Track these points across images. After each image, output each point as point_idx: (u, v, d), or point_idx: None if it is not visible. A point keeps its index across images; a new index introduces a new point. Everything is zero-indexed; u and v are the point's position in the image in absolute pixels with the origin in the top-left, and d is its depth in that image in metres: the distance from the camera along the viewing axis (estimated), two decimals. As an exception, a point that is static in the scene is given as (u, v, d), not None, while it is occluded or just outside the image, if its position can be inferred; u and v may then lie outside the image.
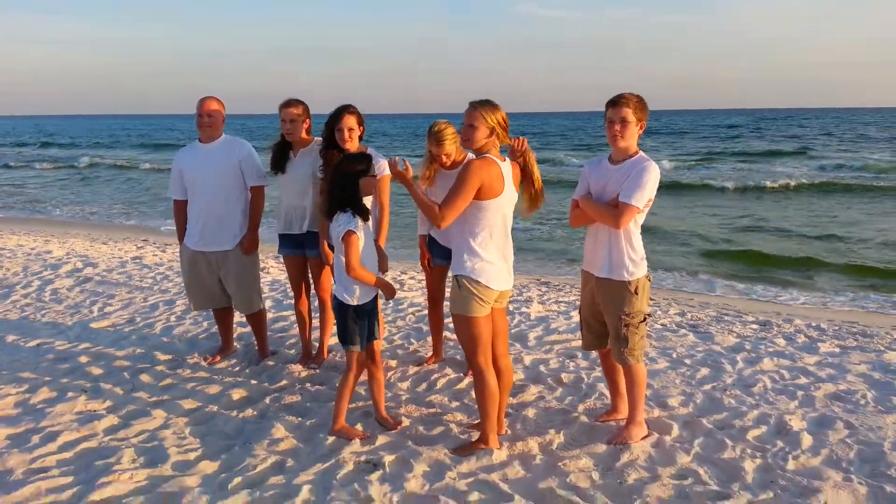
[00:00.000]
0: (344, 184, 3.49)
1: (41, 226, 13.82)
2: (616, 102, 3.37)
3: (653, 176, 3.37)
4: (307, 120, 4.47)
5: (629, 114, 3.35)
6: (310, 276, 4.72)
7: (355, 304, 3.58)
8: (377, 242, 3.85)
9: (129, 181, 24.75)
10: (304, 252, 4.59)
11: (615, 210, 3.37)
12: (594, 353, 4.85)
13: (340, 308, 3.62)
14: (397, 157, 3.42)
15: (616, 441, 3.55)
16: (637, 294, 3.49)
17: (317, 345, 4.89)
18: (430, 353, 4.92)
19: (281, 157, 4.49)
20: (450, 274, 3.59)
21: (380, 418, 3.81)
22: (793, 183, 19.35)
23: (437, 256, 4.55)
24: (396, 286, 7.31)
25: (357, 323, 3.60)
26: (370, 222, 3.68)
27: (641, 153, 3.46)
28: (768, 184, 19.12)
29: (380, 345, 3.80)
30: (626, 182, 3.37)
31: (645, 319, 3.55)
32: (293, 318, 5.60)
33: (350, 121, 4.14)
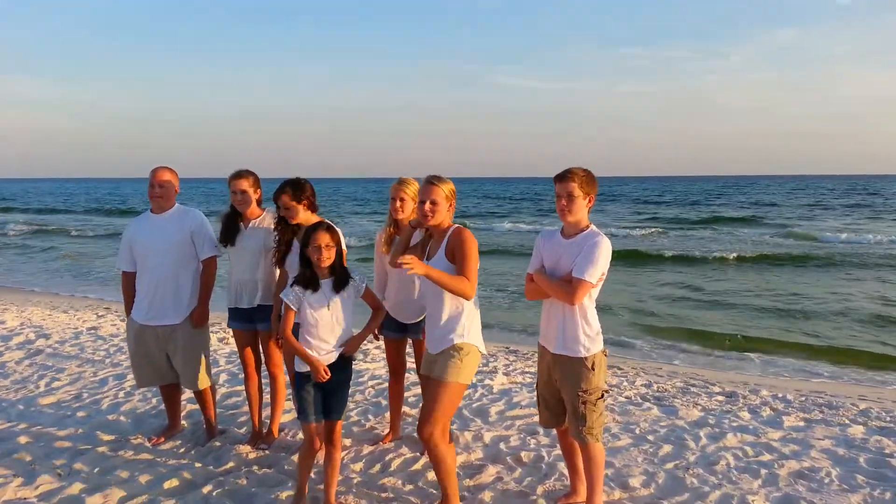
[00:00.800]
0: (300, 253, 3.56)
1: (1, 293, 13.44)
2: (563, 178, 3.37)
3: (604, 251, 3.35)
4: (258, 190, 4.42)
5: (575, 188, 3.35)
6: (261, 350, 4.58)
7: (296, 370, 3.57)
8: (374, 318, 3.74)
9: (49, 250, 23.35)
10: (254, 326, 4.46)
11: (569, 286, 3.33)
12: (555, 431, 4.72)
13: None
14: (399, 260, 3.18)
15: (573, 527, 3.40)
16: (594, 370, 3.41)
17: (268, 422, 4.69)
18: (386, 431, 4.74)
19: (230, 229, 4.41)
20: (410, 340, 3.60)
21: None
22: (759, 252, 19.48)
23: (391, 329, 4.43)
24: (358, 356, 7.14)
25: (301, 392, 3.55)
26: (346, 295, 3.54)
27: (592, 227, 3.45)
28: (731, 255, 18.97)
29: (338, 426, 3.63)
30: (578, 257, 3.34)
31: (603, 396, 3.46)
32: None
33: (284, 200, 4.11)
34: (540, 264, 3.53)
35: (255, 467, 4.20)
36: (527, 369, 7.01)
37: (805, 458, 4.36)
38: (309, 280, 3.49)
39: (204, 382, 4.55)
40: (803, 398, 6.11)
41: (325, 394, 3.56)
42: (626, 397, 5.89)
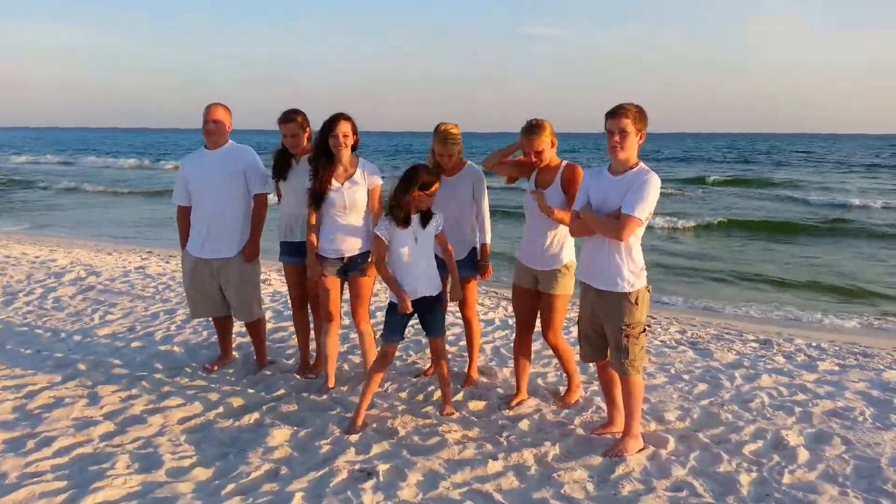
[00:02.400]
0: (401, 187, 3.76)
1: (48, 236, 13.87)
2: (615, 113, 3.38)
3: (654, 188, 3.38)
4: (307, 128, 4.51)
5: (628, 124, 3.36)
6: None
7: (390, 300, 3.95)
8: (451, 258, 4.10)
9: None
10: (304, 260, 4.61)
11: (617, 222, 3.38)
12: (592, 367, 4.84)
13: None
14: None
15: (612, 453, 3.54)
16: (637, 304, 3.49)
17: (315, 354, 4.89)
18: (427, 365, 4.91)
19: (283, 164, 4.53)
20: (522, 266, 4.15)
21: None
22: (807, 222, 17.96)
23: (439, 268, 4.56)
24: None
25: (388, 315, 3.92)
26: (430, 230, 3.87)
27: (642, 164, 3.47)
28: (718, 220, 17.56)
29: (440, 342, 4.01)
30: (628, 194, 3.38)
31: (645, 330, 3.56)
32: (293, 328, 5.60)
33: (345, 127, 4.17)
34: (586, 202, 3.59)
35: (304, 394, 4.41)
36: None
37: (839, 399, 4.43)
38: (403, 217, 3.76)
39: (256, 314, 4.75)
40: (837, 347, 6.14)
41: (421, 314, 3.93)
42: (661, 341, 5.99)
